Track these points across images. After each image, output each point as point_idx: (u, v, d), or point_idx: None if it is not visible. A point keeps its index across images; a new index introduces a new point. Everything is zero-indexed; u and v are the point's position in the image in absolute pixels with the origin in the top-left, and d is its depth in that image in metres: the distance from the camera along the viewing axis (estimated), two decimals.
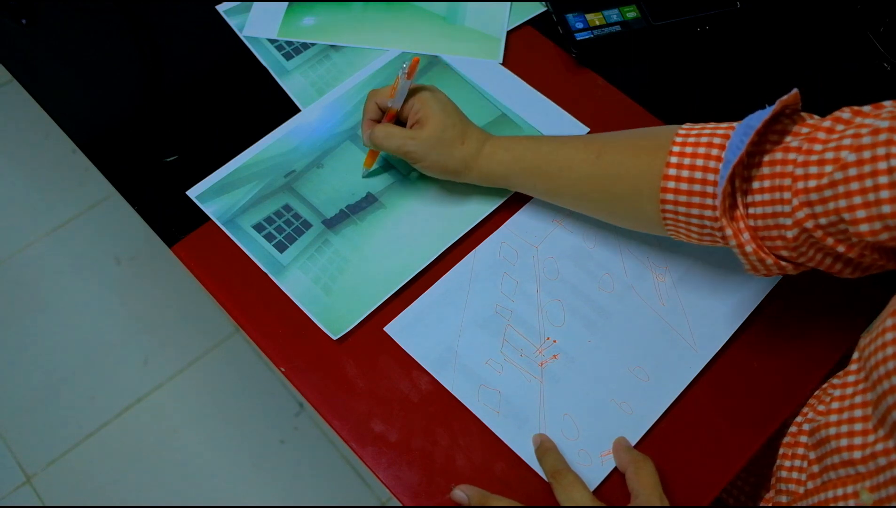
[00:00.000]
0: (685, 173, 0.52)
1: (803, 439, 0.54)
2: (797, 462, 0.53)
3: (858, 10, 0.79)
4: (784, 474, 0.54)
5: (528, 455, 0.56)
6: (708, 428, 0.58)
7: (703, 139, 0.53)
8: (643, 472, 0.53)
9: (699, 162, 0.52)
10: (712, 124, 0.54)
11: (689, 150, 0.53)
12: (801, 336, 0.61)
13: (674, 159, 0.53)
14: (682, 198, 0.53)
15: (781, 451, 0.56)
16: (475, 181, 0.63)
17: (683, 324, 0.61)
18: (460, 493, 0.54)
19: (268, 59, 0.74)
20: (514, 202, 0.67)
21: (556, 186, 0.60)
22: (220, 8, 0.77)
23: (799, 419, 0.56)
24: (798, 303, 0.62)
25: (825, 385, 0.55)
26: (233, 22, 0.76)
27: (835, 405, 0.49)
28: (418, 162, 0.61)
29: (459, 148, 0.61)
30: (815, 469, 0.50)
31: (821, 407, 0.53)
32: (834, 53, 0.77)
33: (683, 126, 0.55)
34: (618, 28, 0.75)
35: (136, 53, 0.75)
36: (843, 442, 0.47)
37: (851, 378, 0.48)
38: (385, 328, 0.60)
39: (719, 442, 0.57)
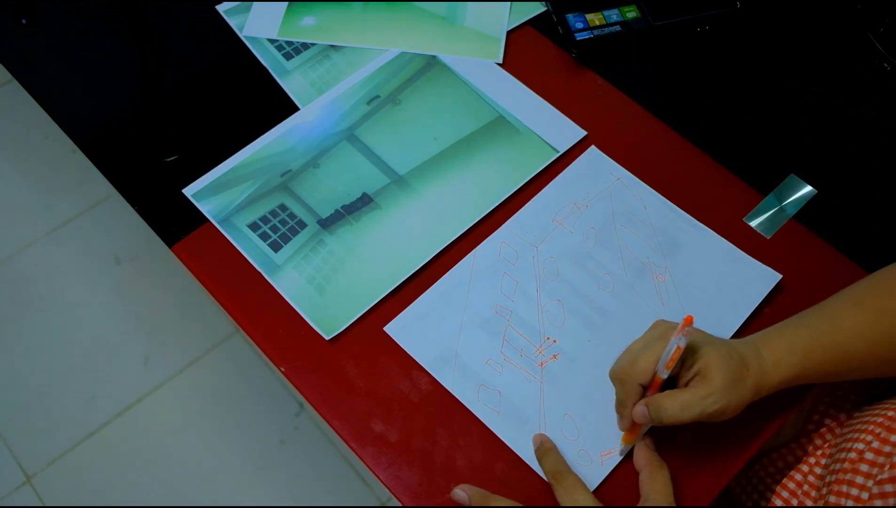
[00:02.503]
0: None
1: (863, 467, 0.54)
2: (854, 491, 0.53)
3: (858, 10, 0.78)
4: (833, 499, 0.54)
5: (528, 456, 0.56)
6: (707, 429, 0.58)
7: None
8: (657, 477, 0.53)
9: None
10: None
11: None
12: None
13: None
14: None
15: (836, 476, 0.56)
16: (771, 392, 0.55)
17: None
18: (461, 493, 0.54)
19: (268, 59, 0.74)
20: (515, 203, 0.67)
21: (850, 364, 0.55)
22: (220, 8, 0.77)
23: (860, 445, 0.55)
24: (798, 304, 0.62)
25: (891, 414, 0.55)
26: (233, 22, 0.76)
27: None
28: (721, 417, 0.52)
29: (749, 377, 0.52)
30: (879, 503, 0.51)
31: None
32: (834, 53, 0.77)
33: None
34: (618, 28, 0.75)
35: (136, 53, 0.75)
36: None
37: None
38: (385, 328, 0.60)
39: (718, 443, 0.57)
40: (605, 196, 0.67)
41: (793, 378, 0.54)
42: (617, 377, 0.54)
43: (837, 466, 0.57)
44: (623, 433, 0.56)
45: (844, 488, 0.54)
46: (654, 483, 0.53)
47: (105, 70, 0.74)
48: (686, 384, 0.52)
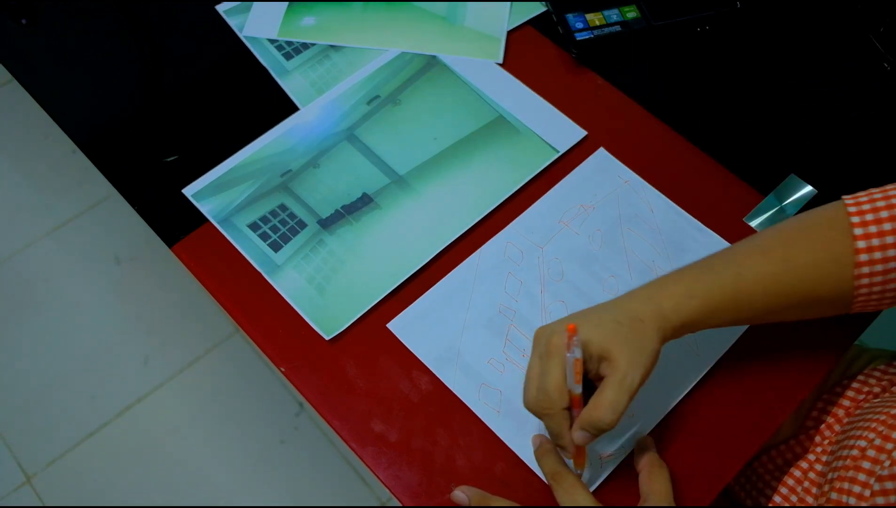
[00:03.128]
0: (877, 254, 0.50)
1: (866, 465, 0.54)
2: (856, 489, 0.54)
3: (858, 11, 0.78)
4: (835, 496, 0.54)
5: (528, 456, 0.56)
6: (708, 430, 0.58)
7: (881, 203, 0.51)
8: (657, 477, 0.53)
9: (889, 238, 0.50)
10: (878, 190, 0.52)
11: (872, 228, 0.50)
12: (802, 338, 0.61)
13: (861, 244, 0.50)
14: (878, 278, 0.51)
15: (838, 474, 0.56)
16: (676, 337, 0.54)
17: None
18: (460, 494, 0.54)
19: (268, 59, 0.74)
20: (516, 203, 0.67)
21: (751, 313, 0.54)
22: (220, 8, 0.77)
23: (862, 443, 0.55)
24: None
25: (894, 412, 0.55)
26: (233, 22, 0.76)
27: None
28: (648, 377, 0.51)
29: (647, 328, 0.51)
30: (881, 500, 0.51)
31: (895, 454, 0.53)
32: (834, 53, 0.77)
33: (846, 199, 0.53)
34: (618, 28, 0.75)
35: (136, 53, 0.75)
36: None
37: None
38: (388, 325, 0.60)
39: (718, 443, 0.57)
40: (612, 199, 0.67)
41: (692, 323, 0.52)
42: (537, 412, 0.51)
43: (839, 463, 0.57)
44: (573, 460, 0.53)
45: (846, 485, 0.54)
46: (654, 484, 0.53)
47: (105, 70, 0.74)
48: (597, 375, 0.51)
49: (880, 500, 0.51)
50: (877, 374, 0.65)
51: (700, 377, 0.59)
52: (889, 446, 0.53)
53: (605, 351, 0.49)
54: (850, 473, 0.54)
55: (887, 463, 0.52)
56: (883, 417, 0.56)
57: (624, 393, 0.48)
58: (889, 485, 0.51)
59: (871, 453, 0.54)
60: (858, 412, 0.62)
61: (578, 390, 0.49)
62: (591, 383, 0.52)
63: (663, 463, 0.54)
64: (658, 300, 0.52)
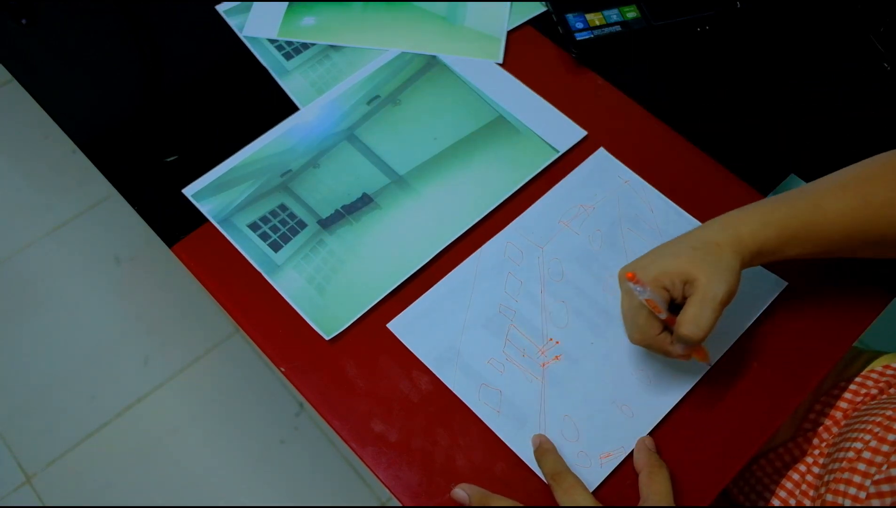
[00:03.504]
0: None
1: (861, 466, 0.54)
2: (851, 490, 0.54)
3: (858, 11, 0.78)
4: (830, 497, 0.54)
5: (528, 456, 0.56)
6: (708, 431, 0.58)
7: None
8: (657, 477, 0.53)
9: None
10: None
11: None
12: (802, 337, 0.61)
13: None
14: None
15: (834, 475, 0.56)
16: (753, 265, 0.56)
17: None
18: (461, 492, 0.54)
19: (268, 59, 0.74)
20: (516, 203, 0.67)
21: (827, 246, 0.55)
22: (220, 8, 0.77)
23: (858, 444, 0.55)
24: (799, 305, 0.62)
25: (889, 413, 0.55)
26: (233, 22, 0.76)
27: None
28: (733, 295, 0.53)
29: (724, 250, 0.53)
30: (877, 503, 0.51)
31: (894, 457, 0.53)
32: (834, 53, 0.77)
33: None
34: (618, 28, 0.75)
35: (136, 53, 0.75)
36: None
37: None
38: (388, 325, 0.60)
39: (718, 444, 0.57)
40: (612, 199, 0.67)
41: (769, 251, 0.54)
42: (643, 344, 0.55)
43: (836, 466, 0.57)
44: (695, 357, 0.56)
45: (842, 487, 0.54)
46: (654, 484, 0.53)
47: (105, 70, 0.74)
48: (683, 296, 0.53)
49: (875, 502, 0.51)
50: (874, 376, 0.65)
51: (700, 377, 0.59)
52: (885, 448, 0.53)
53: (685, 274, 0.52)
54: (846, 475, 0.54)
55: (884, 466, 0.52)
56: (879, 419, 0.56)
57: (707, 307, 0.51)
58: (885, 487, 0.51)
59: (867, 455, 0.54)
60: (855, 414, 0.62)
61: (663, 316, 0.53)
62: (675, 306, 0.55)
63: (663, 464, 0.54)
64: (735, 226, 0.54)
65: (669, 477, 0.53)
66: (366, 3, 0.78)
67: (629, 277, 0.52)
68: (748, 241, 0.53)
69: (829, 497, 0.55)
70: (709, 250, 0.53)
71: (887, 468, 0.52)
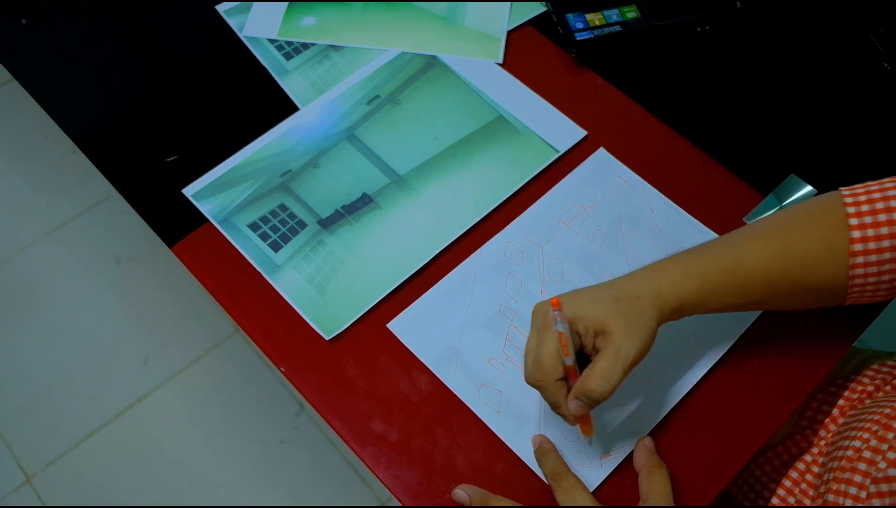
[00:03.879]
0: (872, 245, 0.51)
1: (861, 466, 0.54)
2: (853, 490, 0.53)
3: (858, 11, 0.78)
4: (832, 497, 0.54)
5: (528, 456, 0.56)
6: (708, 431, 0.58)
7: (876, 195, 0.51)
8: (656, 478, 0.53)
9: (884, 229, 0.51)
10: (875, 183, 0.53)
11: (868, 219, 0.51)
12: (802, 337, 0.61)
13: (856, 234, 0.51)
14: (873, 269, 0.51)
15: (825, 472, 0.56)
16: (673, 319, 0.54)
17: (687, 328, 0.61)
18: (461, 493, 0.54)
19: (268, 59, 0.74)
20: (516, 203, 0.67)
21: (749, 296, 0.54)
22: (220, 8, 0.77)
23: (857, 443, 0.55)
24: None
25: (888, 412, 0.55)
26: (233, 22, 0.76)
27: None
28: (643, 356, 0.51)
29: (644, 304, 0.51)
30: (877, 502, 0.51)
31: (891, 455, 0.53)
32: (834, 53, 0.77)
33: (843, 191, 0.53)
34: (618, 28, 0.75)
35: (136, 53, 0.75)
36: None
37: None
38: (388, 325, 0.60)
39: (718, 444, 0.57)
40: (612, 199, 0.67)
41: (691, 305, 0.53)
42: (534, 384, 0.52)
43: (835, 465, 0.57)
44: (578, 427, 0.54)
45: (843, 487, 0.54)
46: (653, 484, 0.53)
47: (105, 70, 0.74)
48: (594, 348, 0.51)
49: (876, 502, 0.51)
50: (870, 373, 0.65)
51: (699, 377, 0.59)
52: (884, 447, 0.53)
53: (601, 324, 0.50)
54: (847, 475, 0.54)
55: (883, 465, 0.52)
56: (877, 417, 0.56)
57: (618, 365, 0.49)
58: (884, 487, 0.51)
59: (867, 454, 0.54)
60: (853, 412, 0.62)
61: (569, 361, 0.50)
62: (583, 356, 0.53)
63: (663, 464, 0.54)
64: (656, 281, 0.52)
65: (669, 477, 0.53)
66: (366, 3, 0.78)
67: (554, 303, 0.49)
68: (668, 296, 0.52)
69: (831, 497, 0.55)
70: (630, 302, 0.51)
71: (886, 466, 0.52)
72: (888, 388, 0.63)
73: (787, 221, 0.55)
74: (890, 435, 0.54)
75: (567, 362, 0.50)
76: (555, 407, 0.52)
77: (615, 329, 0.50)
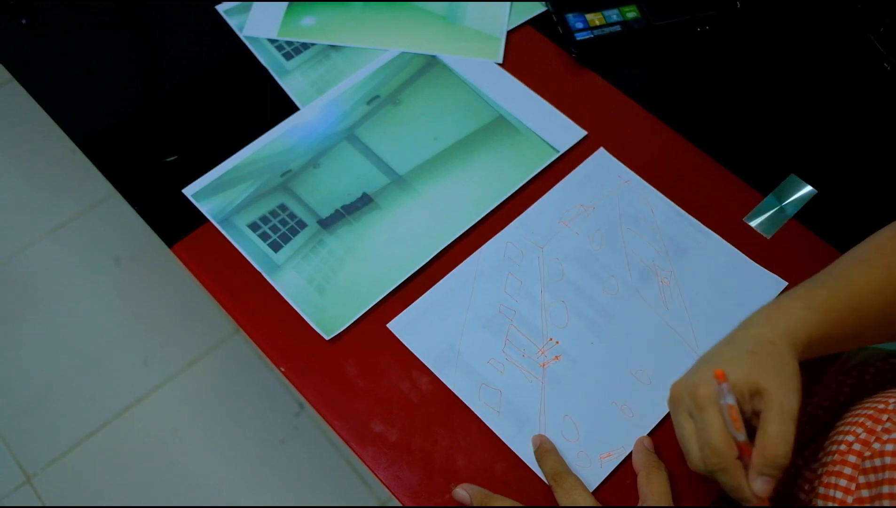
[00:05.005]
0: None
1: (852, 458, 0.54)
2: (843, 482, 0.53)
3: (858, 11, 0.78)
4: (822, 490, 0.54)
5: (528, 456, 0.56)
6: None
7: None
8: (655, 478, 0.53)
9: None
10: None
11: None
12: None
13: None
14: None
15: (818, 466, 0.56)
16: (805, 358, 0.52)
17: (687, 328, 0.61)
18: (462, 492, 0.54)
19: (268, 59, 0.74)
20: (516, 202, 0.67)
21: (868, 321, 0.53)
22: (220, 8, 0.77)
23: (850, 438, 0.56)
24: None
25: (881, 407, 0.56)
26: (233, 22, 0.76)
27: None
28: (802, 397, 0.48)
29: (781, 347, 0.49)
30: (865, 493, 0.50)
31: (884, 436, 0.53)
32: (834, 53, 0.77)
33: None
34: (618, 28, 0.75)
35: (136, 53, 0.75)
36: None
37: None
38: (388, 325, 0.60)
39: None
40: (612, 199, 0.67)
41: (819, 338, 0.51)
42: (709, 471, 0.48)
43: (828, 459, 0.57)
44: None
45: (833, 479, 0.54)
46: (652, 484, 0.53)
47: (105, 70, 0.74)
48: (752, 413, 0.48)
49: (865, 493, 0.51)
50: (872, 371, 0.65)
51: None
52: (872, 439, 0.53)
53: (754, 385, 0.47)
54: (837, 467, 0.55)
55: (868, 454, 0.52)
56: (871, 412, 0.57)
57: (789, 422, 0.46)
58: (872, 477, 0.51)
59: (857, 447, 0.54)
60: (850, 408, 0.62)
61: (742, 437, 0.46)
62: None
63: (662, 464, 0.54)
64: (781, 320, 0.50)
65: (668, 478, 0.53)
66: (366, 3, 0.78)
67: (719, 375, 0.45)
68: (799, 332, 0.50)
69: (822, 490, 0.55)
70: (767, 351, 0.48)
71: (871, 456, 0.52)
72: (888, 386, 0.63)
73: (882, 241, 0.55)
74: (879, 427, 0.54)
75: (739, 437, 0.46)
76: (736, 492, 0.47)
77: (768, 386, 0.47)
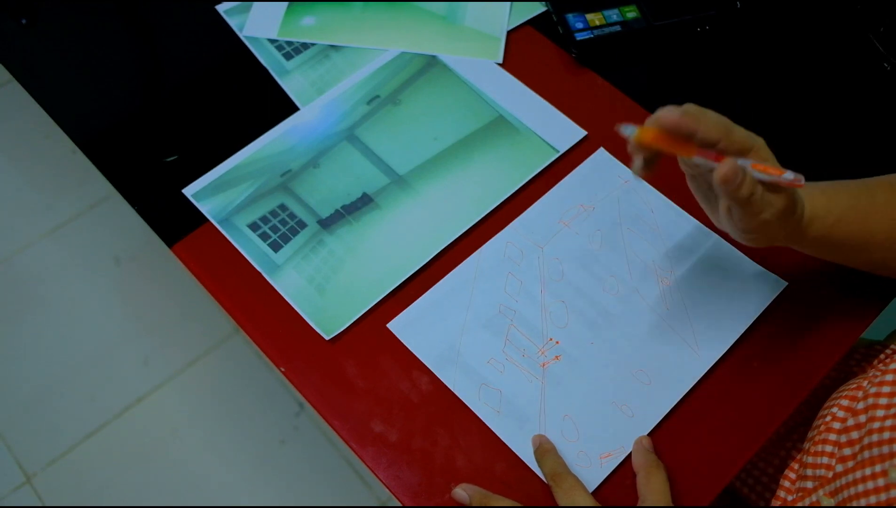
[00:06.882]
0: None
1: (836, 425, 0.55)
2: (828, 448, 0.54)
3: (858, 11, 0.78)
4: (810, 459, 0.55)
5: (528, 456, 0.56)
6: (707, 431, 0.58)
7: None
8: (654, 477, 0.53)
9: None
10: None
11: None
12: (802, 337, 0.61)
13: None
14: None
15: (808, 444, 0.57)
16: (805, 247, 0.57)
17: (687, 328, 0.61)
18: (461, 493, 0.54)
19: (268, 59, 0.74)
20: (516, 202, 0.67)
21: (873, 238, 0.55)
22: (220, 8, 0.77)
23: (835, 409, 0.56)
24: (799, 305, 0.62)
25: (870, 374, 0.56)
26: (233, 22, 0.76)
27: (886, 388, 0.51)
28: (761, 229, 0.51)
29: (792, 220, 0.52)
30: (847, 451, 0.51)
31: (872, 389, 0.54)
32: (834, 53, 0.77)
33: None
34: (618, 28, 0.75)
35: (136, 53, 0.75)
36: (889, 423, 0.48)
37: None
38: (388, 325, 0.60)
39: (719, 445, 0.57)
40: (612, 199, 0.67)
41: (821, 238, 0.54)
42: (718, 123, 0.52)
43: (813, 433, 0.58)
44: (647, 127, 0.53)
45: (819, 447, 0.55)
46: (651, 484, 0.53)
47: (105, 70, 0.74)
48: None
49: (847, 451, 0.53)
50: (856, 356, 0.66)
51: (699, 377, 0.59)
52: (859, 406, 0.54)
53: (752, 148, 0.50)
54: (822, 435, 0.56)
55: (850, 421, 0.54)
56: (854, 386, 0.58)
57: (766, 207, 0.49)
58: (854, 434, 0.53)
59: (841, 414, 0.56)
60: (836, 390, 0.63)
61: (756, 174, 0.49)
62: None
63: (660, 464, 0.54)
64: (806, 205, 0.53)
65: (667, 477, 0.53)
66: (366, 3, 0.78)
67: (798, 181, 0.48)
68: (808, 227, 0.53)
69: (809, 460, 0.56)
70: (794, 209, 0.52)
71: (853, 420, 0.53)
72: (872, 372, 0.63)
73: None
74: (860, 406, 0.54)
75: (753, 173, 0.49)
76: (694, 119, 0.53)
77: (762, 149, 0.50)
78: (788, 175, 0.49)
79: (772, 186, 0.50)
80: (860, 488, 0.48)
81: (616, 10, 0.75)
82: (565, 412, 0.58)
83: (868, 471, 0.48)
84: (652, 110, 0.72)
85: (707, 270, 0.64)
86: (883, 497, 0.46)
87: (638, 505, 0.53)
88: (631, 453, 0.56)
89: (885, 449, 0.48)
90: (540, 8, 0.78)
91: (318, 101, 0.71)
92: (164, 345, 1.35)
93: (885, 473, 0.47)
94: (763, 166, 0.50)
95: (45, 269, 1.41)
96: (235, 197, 0.66)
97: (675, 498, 0.54)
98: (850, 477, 0.50)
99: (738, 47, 0.77)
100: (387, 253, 0.63)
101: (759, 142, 0.50)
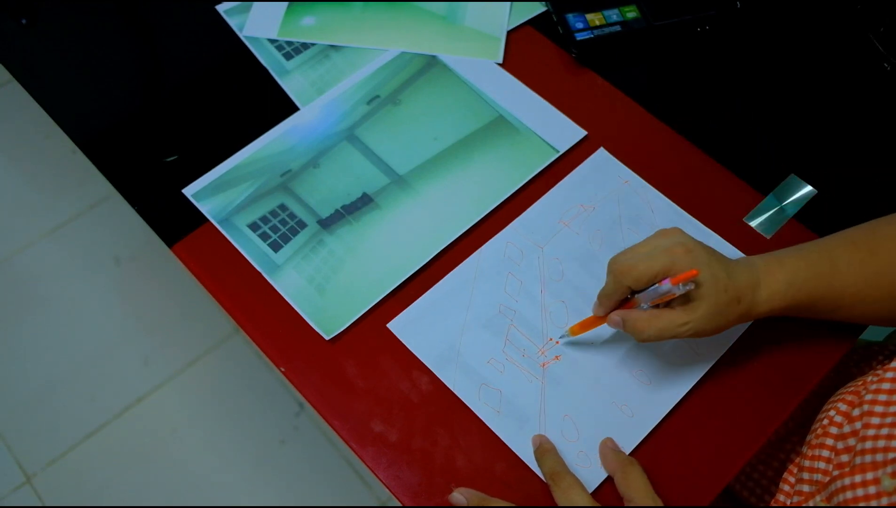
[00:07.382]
0: None
1: (833, 429, 0.55)
2: (825, 453, 0.54)
3: (858, 11, 0.78)
4: (807, 463, 0.55)
5: (528, 456, 0.56)
6: (707, 431, 0.58)
7: None
8: (632, 476, 0.53)
9: None
10: None
11: None
12: (801, 338, 0.61)
13: None
14: None
15: (805, 447, 0.57)
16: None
17: None
18: (458, 496, 0.54)
19: (268, 59, 0.74)
20: (516, 202, 0.67)
21: (841, 301, 0.56)
22: (220, 8, 0.77)
23: (832, 412, 0.56)
24: None
25: (867, 379, 0.56)
26: (233, 22, 0.76)
27: (882, 397, 0.51)
28: (693, 337, 0.54)
29: (736, 310, 0.54)
30: (845, 458, 0.52)
31: (868, 396, 0.54)
32: (834, 53, 0.77)
33: None
34: (618, 28, 0.75)
35: (136, 53, 0.75)
36: (884, 431, 0.48)
37: None
38: (388, 325, 0.60)
39: (718, 445, 0.57)
40: (612, 199, 0.67)
41: (781, 310, 0.55)
42: (613, 271, 0.54)
43: (811, 437, 0.58)
44: (581, 321, 0.58)
45: (817, 451, 0.55)
46: (631, 483, 0.52)
47: (105, 70, 0.74)
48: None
49: (844, 457, 0.53)
50: (854, 357, 0.66)
51: (699, 378, 0.59)
52: (854, 411, 0.54)
53: (696, 295, 0.52)
54: (820, 440, 0.56)
55: (846, 426, 0.54)
56: (852, 388, 0.58)
57: (673, 331, 0.52)
58: (851, 441, 0.53)
59: (839, 419, 0.56)
60: (835, 393, 0.63)
61: (646, 306, 0.53)
62: None
63: (634, 460, 0.54)
64: (761, 287, 0.54)
65: (643, 471, 0.53)
66: (366, 3, 0.78)
67: (693, 274, 0.50)
68: (762, 306, 0.54)
69: (807, 463, 0.56)
70: (728, 304, 0.53)
71: (849, 421, 0.54)
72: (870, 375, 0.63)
73: (875, 228, 0.57)
74: (856, 412, 0.54)
75: (644, 305, 0.53)
76: (605, 297, 0.56)
77: (701, 308, 0.52)
78: (671, 288, 0.51)
79: (684, 298, 0.52)
80: (854, 493, 0.48)
81: (616, 10, 0.75)
82: (565, 412, 0.58)
83: (858, 478, 0.48)
84: (652, 110, 0.72)
85: None
86: (874, 504, 0.46)
87: (629, 506, 0.53)
88: (599, 457, 0.56)
89: (879, 457, 0.48)
90: (540, 8, 0.78)
91: (318, 101, 0.71)
92: (164, 345, 1.35)
93: (877, 481, 0.47)
94: (633, 302, 0.54)
95: (45, 269, 1.41)
96: (235, 197, 0.66)
97: (674, 499, 0.54)
98: (846, 482, 0.50)
99: (738, 47, 0.77)
100: (387, 253, 0.63)
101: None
